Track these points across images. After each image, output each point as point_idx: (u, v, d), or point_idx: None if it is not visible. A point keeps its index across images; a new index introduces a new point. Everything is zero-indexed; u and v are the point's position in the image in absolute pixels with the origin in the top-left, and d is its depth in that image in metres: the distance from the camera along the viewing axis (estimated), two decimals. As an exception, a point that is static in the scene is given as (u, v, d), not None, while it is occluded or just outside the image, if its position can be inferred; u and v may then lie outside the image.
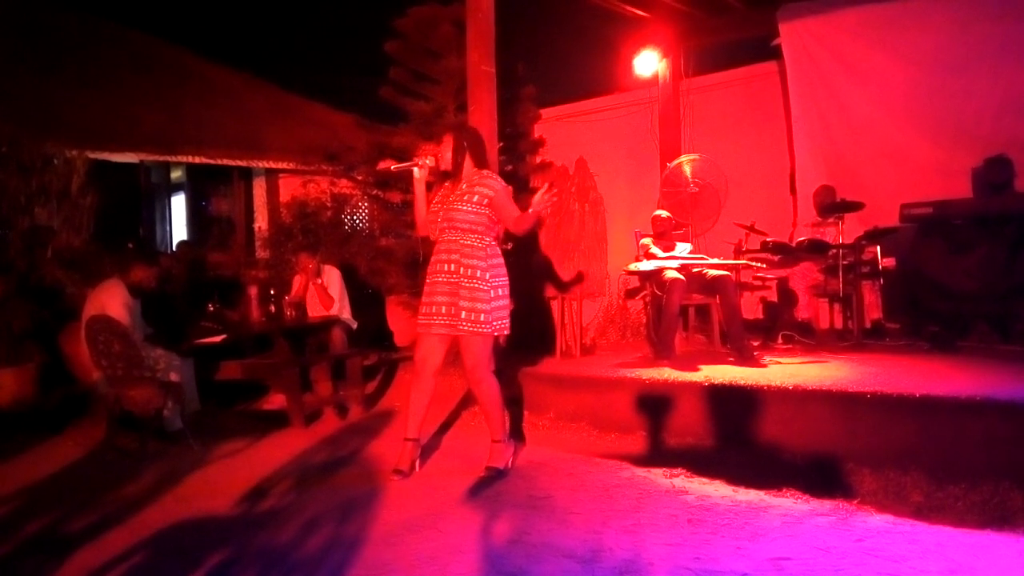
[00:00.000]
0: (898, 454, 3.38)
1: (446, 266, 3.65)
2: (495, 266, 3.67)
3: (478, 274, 3.59)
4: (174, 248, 9.33)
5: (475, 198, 3.63)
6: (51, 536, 3.13)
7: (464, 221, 3.62)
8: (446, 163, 3.73)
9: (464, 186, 3.69)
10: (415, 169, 3.78)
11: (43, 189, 5.90)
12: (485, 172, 3.75)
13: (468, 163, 3.73)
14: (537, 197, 3.58)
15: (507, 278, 3.74)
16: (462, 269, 3.60)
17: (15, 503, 3.60)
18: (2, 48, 8.91)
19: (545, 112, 7.54)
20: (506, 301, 3.71)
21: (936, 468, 3.23)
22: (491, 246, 3.67)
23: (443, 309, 3.64)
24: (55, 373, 5.42)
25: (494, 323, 3.61)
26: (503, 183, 3.77)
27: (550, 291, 5.79)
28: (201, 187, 10.21)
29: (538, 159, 7.19)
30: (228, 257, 8.72)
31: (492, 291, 3.61)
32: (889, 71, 6.00)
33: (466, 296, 3.58)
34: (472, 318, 3.57)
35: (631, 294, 6.68)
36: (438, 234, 3.72)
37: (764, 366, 4.60)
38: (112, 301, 4.69)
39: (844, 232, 5.35)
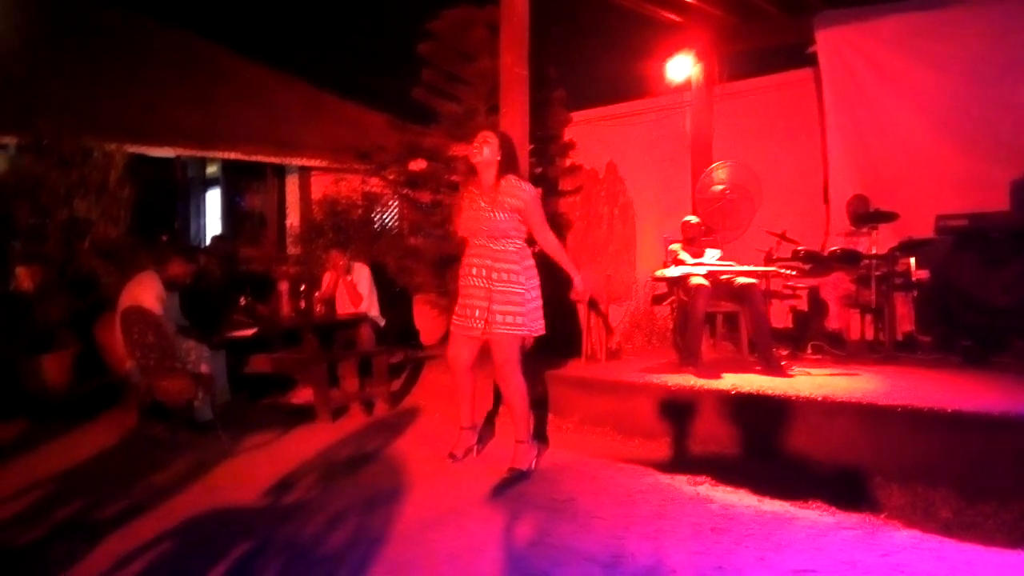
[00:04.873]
0: (927, 469, 3.34)
1: (480, 271, 3.69)
2: (528, 268, 3.72)
3: (513, 278, 3.65)
4: (208, 242, 9.48)
5: (507, 206, 3.66)
6: (83, 521, 3.21)
7: (496, 229, 3.66)
8: (484, 159, 3.72)
9: (497, 193, 3.69)
10: None
11: (82, 181, 6.03)
12: (514, 179, 3.74)
13: (499, 169, 3.73)
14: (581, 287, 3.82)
15: (538, 279, 3.79)
16: (495, 274, 3.65)
17: (49, 487, 3.69)
18: (45, 44, 9.13)
19: (576, 115, 7.53)
20: (539, 303, 3.77)
21: (966, 485, 3.19)
22: (523, 248, 3.72)
23: (477, 313, 3.68)
24: (90, 361, 5.54)
25: (530, 324, 3.68)
26: (533, 189, 3.79)
27: (576, 295, 5.78)
28: (235, 183, 10.36)
29: (568, 162, 7.19)
30: (260, 252, 8.85)
31: (527, 292, 3.67)
32: (926, 80, 5.91)
33: (500, 300, 3.63)
34: (508, 320, 3.63)
35: (658, 300, 6.65)
36: (470, 236, 3.77)
37: (791, 376, 4.56)
38: (145, 293, 4.78)
39: (877, 242, 5.28)
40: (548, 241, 3.76)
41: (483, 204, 3.71)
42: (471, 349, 3.82)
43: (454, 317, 3.83)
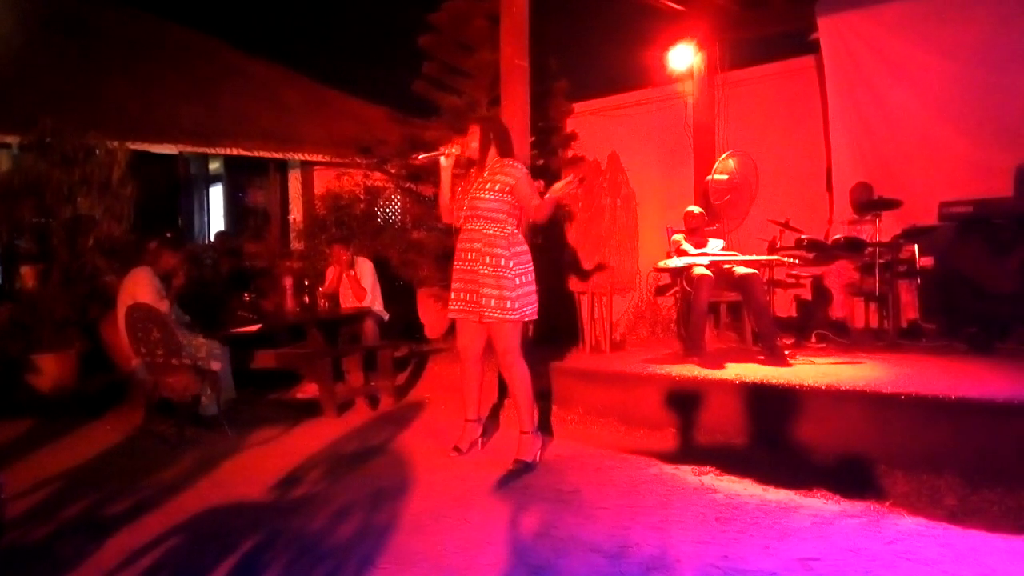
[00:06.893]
0: (932, 457, 3.34)
1: (468, 255, 3.74)
2: (518, 253, 3.72)
3: (501, 262, 3.65)
4: (212, 238, 9.49)
5: (497, 186, 3.70)
6: (91, 518, 3.23)
7: (486, 209, 3.70)
8: (472, 152, 3.83)
9: (486, 174, 3.77)
10: (442, 158, 3.88)
11: (85, 179, 6.03)
12: (507, 160, 3.80)
13: (493, 153, 3.81)
14: (557, 185, 3.63)
15: (531, 264, 3.79)
16: (485, 258, 3.67)
17: (56, 485, 3.71)
18: (46, 42, 9.12)
19: (577, 106, 7.51)
20: (532, 287, 3.77)
21: (971, 472, 3.19)
22: (513, 234, 3.73)
23: (462, 296, 3.77)
24: (95, 359, 5.56)
25: (521, 309, 3.67)
26: (525, 170, 3.82)
27: (579, 286, 5.79)
28: (238, 178, 10.36)
29: (570, 153, 7.18)
30: (264, 248, 8.86)
31: (517, 278, 3.67)
32: (929, 67, 5.88)
33: (491, 284, 3.65)
34: (498, 304, 3.64)
35: (661, 291, 6.65)
36: (461, 223, 3.80)
37: (794, 365, 4.56)
38: (142, 289, 4.81)
39: (881, 230, 5.26)
40: (540, 211, 3.71)
41: (475, 187, 3.77)
42: (479, 338, 3.83)
43: (450, 305, 3.87)
